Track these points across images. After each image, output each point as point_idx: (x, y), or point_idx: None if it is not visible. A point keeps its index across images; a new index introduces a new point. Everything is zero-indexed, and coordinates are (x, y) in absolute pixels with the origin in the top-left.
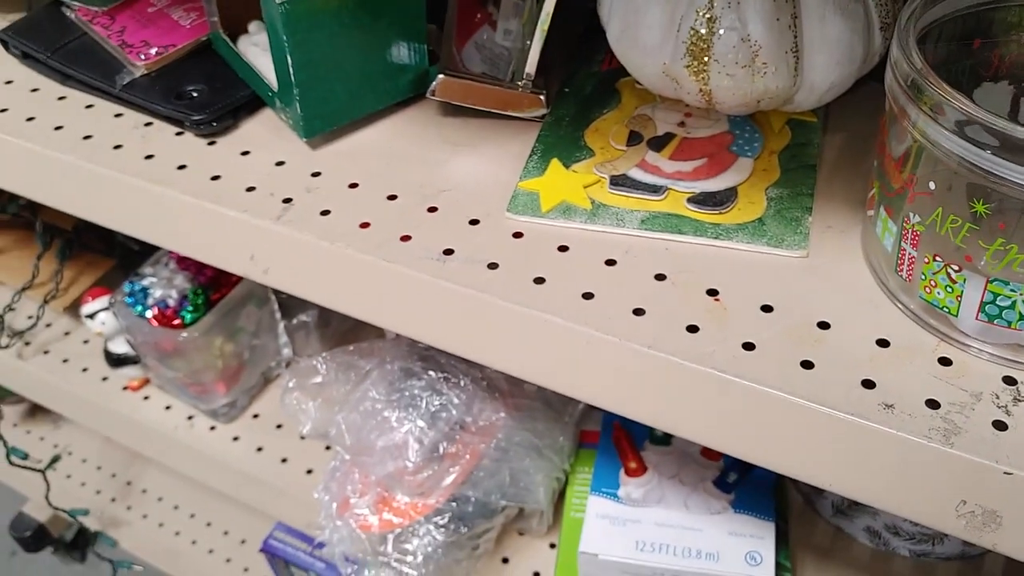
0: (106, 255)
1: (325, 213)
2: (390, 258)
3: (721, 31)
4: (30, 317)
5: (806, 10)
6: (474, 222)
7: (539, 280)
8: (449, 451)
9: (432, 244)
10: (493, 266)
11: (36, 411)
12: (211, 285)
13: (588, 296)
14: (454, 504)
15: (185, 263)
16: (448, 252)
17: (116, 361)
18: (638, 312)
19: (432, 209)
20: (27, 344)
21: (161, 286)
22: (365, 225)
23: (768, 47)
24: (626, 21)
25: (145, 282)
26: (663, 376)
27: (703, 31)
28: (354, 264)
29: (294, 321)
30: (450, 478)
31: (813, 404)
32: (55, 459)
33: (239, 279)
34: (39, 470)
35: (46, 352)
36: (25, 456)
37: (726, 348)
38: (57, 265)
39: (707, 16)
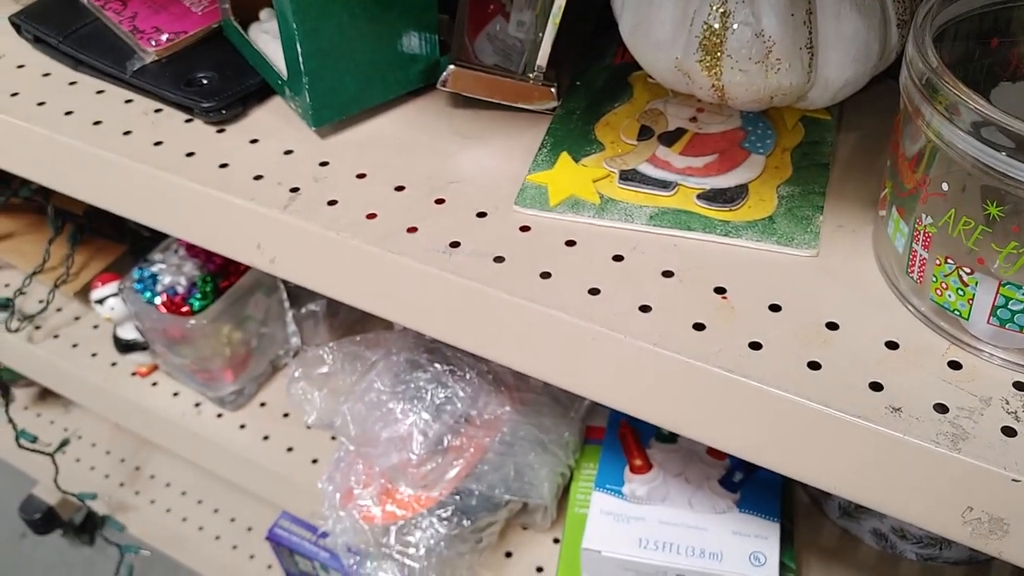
0: (117, 241)
1: (332, 203)
2: (396, 250)
3: (735, 26)
4: (41, 301)
5: (821, 6)
6: (481, 215)
7: (545, 275)
8: (453, 444)
9: (438, 236)
10: (499, 260)
11: (46, 394)
12: (220, 273)
13: (594, 292)
14: (457, 497)
15: (194, 250)
16: (454, 245)
17: (125, 347)
18: (644, 309)
19: (439, 201)
20: (37, 328)
21: (170, 273)
22: (372, 216)
23: (782, 43)
24: (639, 15)
25: (154, 268)
26: (668, 374)
27: (716, 26)
28: (360, 255)
29: (303, 310)
30: (454, 471)
31: (819, 406)
32: (64, 443)
33: (248, 267)
34: (48, 453)
35: (56, 336)
36: (34, 439)
37: (732, 347)
38: (68, 250)
39: (720, 11)
